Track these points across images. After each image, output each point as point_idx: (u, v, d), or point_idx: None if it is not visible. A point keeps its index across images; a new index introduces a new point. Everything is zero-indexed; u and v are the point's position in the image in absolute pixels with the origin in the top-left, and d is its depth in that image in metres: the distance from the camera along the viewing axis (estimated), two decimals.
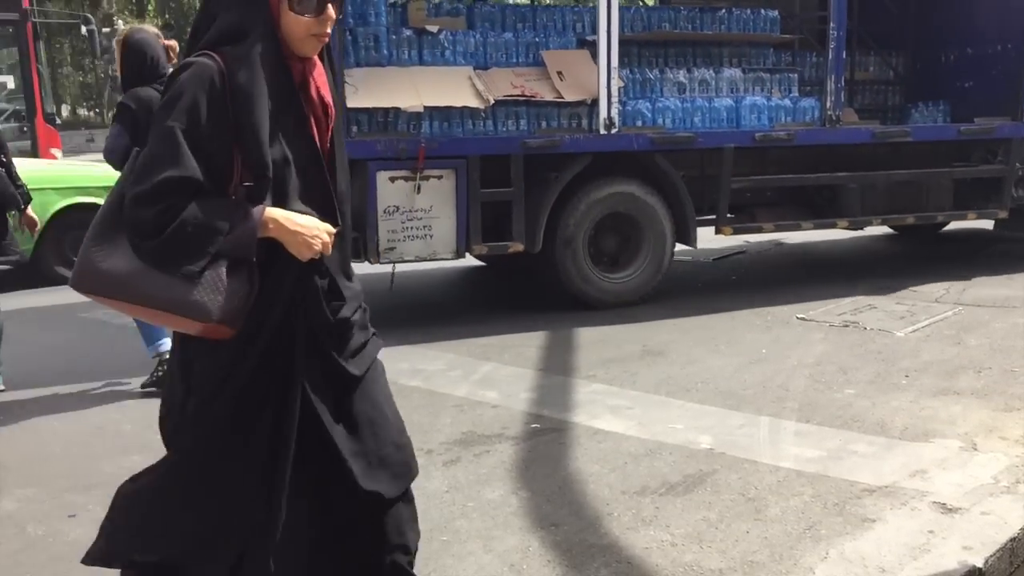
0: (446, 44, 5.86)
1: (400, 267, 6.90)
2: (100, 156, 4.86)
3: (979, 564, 2.69)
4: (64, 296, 7.11)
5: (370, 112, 5.49)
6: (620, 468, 3.44)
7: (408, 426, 3.98)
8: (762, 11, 6.74)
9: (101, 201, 6.60)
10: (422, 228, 5.51)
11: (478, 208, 5.60)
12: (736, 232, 6.53)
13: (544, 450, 3.66)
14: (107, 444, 3.88)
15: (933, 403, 4.07)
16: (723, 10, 6.67)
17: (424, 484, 3.33)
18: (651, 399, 4.25)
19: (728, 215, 6.41)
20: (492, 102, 5.69)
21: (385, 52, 5.69)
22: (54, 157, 10.96)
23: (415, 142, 5.44)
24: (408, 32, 5.82)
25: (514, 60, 6.03)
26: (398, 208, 5.42)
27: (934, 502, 3.07)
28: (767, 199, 6.67)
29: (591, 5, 6.54)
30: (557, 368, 4.79)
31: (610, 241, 6.14)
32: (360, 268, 7.62)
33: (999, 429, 3.74)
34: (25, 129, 11.26)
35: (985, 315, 5.56)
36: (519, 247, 5.75)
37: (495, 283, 7.21)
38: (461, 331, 5.61)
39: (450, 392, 4.42)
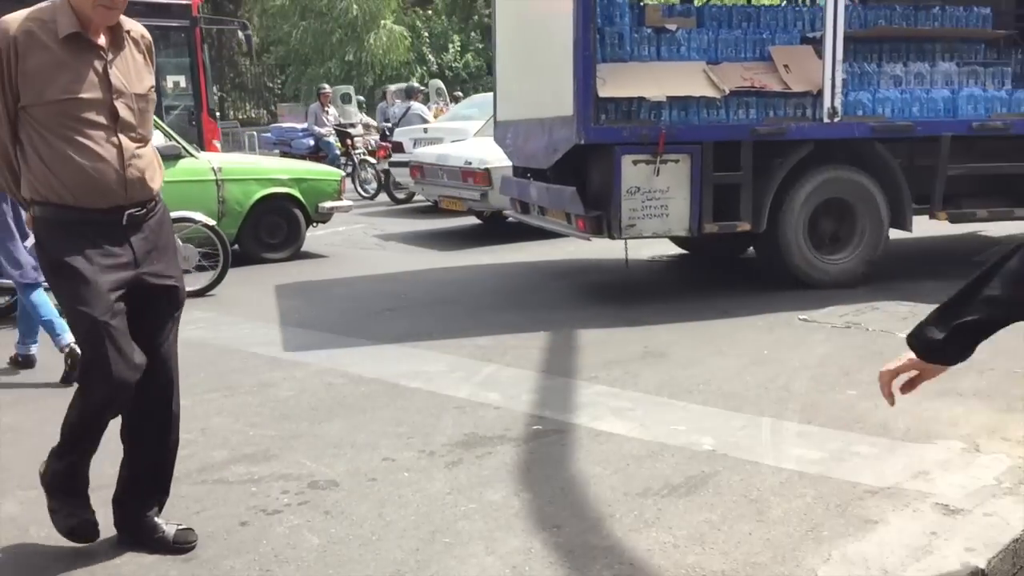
0: (682, 41, 6.47)
1: (400, 269, 6.93)
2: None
3: (982, 565, 2.68)
4: None
5: (616, 102, 6.05)
6: (622, 470, 3.44)
7: (410, 428, 4.02)
8: (974, 8, 7.05)
9: (292, 191, 7.81)
10: (659, 207, 6.03)
11: (710, 189, 6.09)
12: (952, 220, 6.86)
13: (546, 452, 3.66)
14: (107, 446, 3.87)
15: (935, 404, 4.06)
16: (936, 7, 7.00)
17: (426, 486, 3.34)
18: (653, 400, 4.25)
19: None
20: (727, 92, 6.16)
21: (628, 49, 6.33)
22: (217, 149, 12.37)
23: (656, 129, 5.98)
24: (648, 31, 6.44)
25: (742, 55, 6.55)
26: (639, 189, 5.96)
27: (936, 503, 3.06)
28: (975, 188, 6.91)
29: (817, 4, 7.19)
30: (559, 370, 4.79)
31: (827, 224, 6.55)
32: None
33: (1001, 430, 3.73)
34: (193, 123, 12.75)
35: None
36: (746, 226, 6.24)
37: (496, 285, 7.21)
38: (463, 333, 5.61)
39: (452, 394, 4.42)
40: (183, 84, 13.22)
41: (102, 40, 2.75)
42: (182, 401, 4.40)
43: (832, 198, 6.45)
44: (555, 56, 6.13)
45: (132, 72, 2.81)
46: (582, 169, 6.28)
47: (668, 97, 6.08)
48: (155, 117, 8.83)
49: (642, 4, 6.97)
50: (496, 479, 3.39)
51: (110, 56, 2.76)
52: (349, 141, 14.22)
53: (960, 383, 4.34)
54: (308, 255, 8.83)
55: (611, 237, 6.07)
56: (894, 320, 5.52)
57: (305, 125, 15.36)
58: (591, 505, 3.15)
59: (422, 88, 15.65)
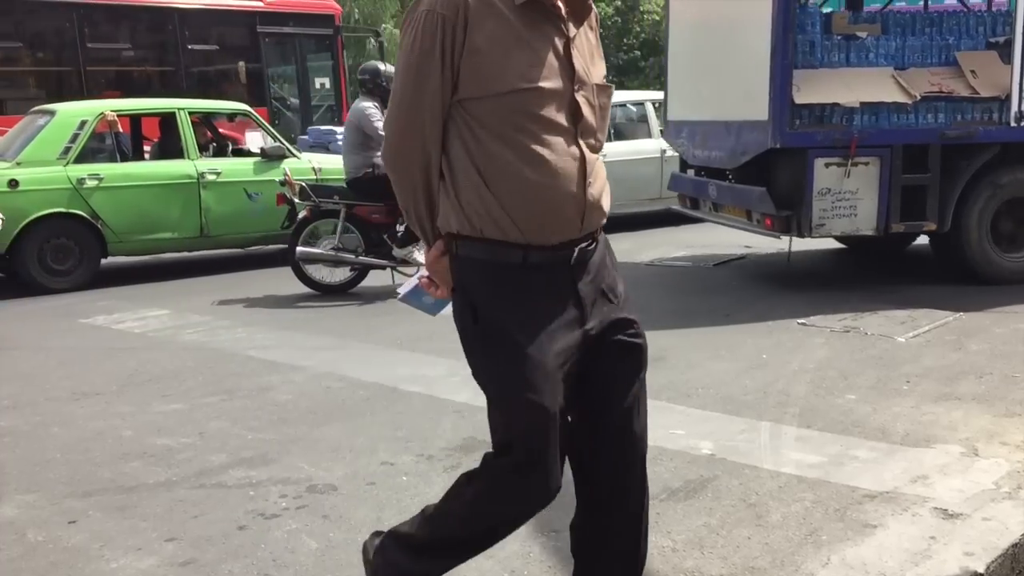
0: (870, 47, 6.65)
1: (399, 274, 6.92)
2: None
3: (980, 570, 2.68)
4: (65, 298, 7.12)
5: (809, 107, 6.30)
6: None
7: (408, 432, 4.01)
8: None
9: None
10: (848, 208, 6.29)
11: (898, 191, 6.29)
12: None
13: None
14: (107, 450, 3.88)
15: (934, 408, 4.06)
16: None
17: (424, 490, 3.33)
18: (652, 404, 4.18)
19: None
20: (918, 97, 6.35)
21: (818, 56, 6.52)
22: None
23: (849, 133, 6.23)
24: (838, 38, 6.61)
25: (928, 61, 6.72)
26: (830, 190, 6.22)
27: (935, 508, 3.06)
28: None
29: (996, 9, 7.51)
30: None
31: (1008, 224, 6.72)
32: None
33: (1000, 435, 3.73)
34: (336, 120, 13.89)
35: (986, 320, 5.56)
36: (932, 226, 6.43)
37: None
38: None
39: (451, 398, 4.41)
40: (327, 86, 14.78)
41: (561, 7, 1.99)
42: (179, 405, 4.44)
43: (1014, 198, 6.66)
44: (745, 61, 6.46)
45: (587, 54, 2.04)
46: (765, 169, 6.50)
47: (861, 103, 6.32)
48: (259, 115, 9.33)
49: (829, 12, 7.26)
50: None
51: (572, 31, 1.99)
52: None
53: (959, 387, 4.34)
54: None
55: (800, 235, 6.39)
56: (893, 324, 5.52)
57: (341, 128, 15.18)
58: None
59: None
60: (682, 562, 2.76)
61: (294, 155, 8.55)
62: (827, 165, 6.18)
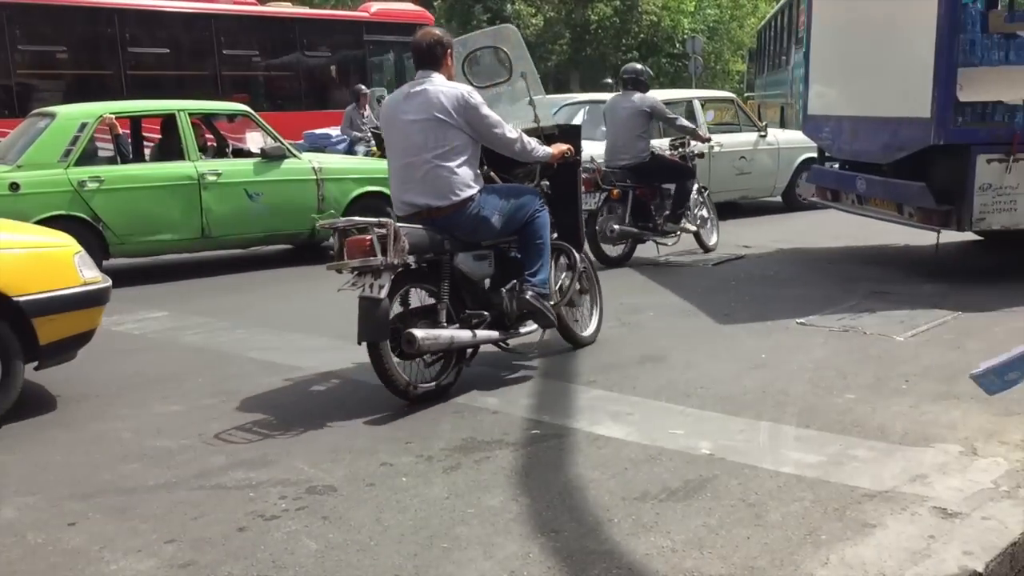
0: None
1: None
2: None
3: (980, 569, 2.68)
4: None
5: (972, 105, 6.47)
6: (620, 474, 3.44)
7: (408, 432, 4.01)
8: None
9: (384, 190, 6.63)
10: (1008, 202, 6.44)
11: None
12: None
13: (544, 456, 3.66)
14: (107, 452, 3.88)
15: (933, 408, 4.07)
16: None
17: (424, 490, 3.34)
18: (651, 405, 4.25)
19: None
20: None
21: (978, 54, 6.57)
22: None
23: (1011, 130, 6.42)
24: (996, 37, 6.66)
25: None
26: (991, 185, 6.36)
27: (934, 507, 3.06)
28: None
29: None
30: (557, 374, 4.79)
31: None
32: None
33: (999, 434, 3.74)
34: None
35: (984, 319, 5.56)
36: None
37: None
38: None
39: (450, 398, 4.41)
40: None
41: None
42: (178, 407, 4.44)
43: None
44: (904, 60, 6.63)
45: None
46: (919, 165, 6.62)
47: (1023, 100, 6.47)
48: (259, 116, 9.31)
49: (985, 11, 7.36)
50: (494, 484, 3.39)
51: None
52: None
53: (958, 387, 4.34)
54: None
55: (959, 229, 6.51)
56: (891, 324, 5.53)
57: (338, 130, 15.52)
58: (589, 509, 3.15)
59: None
60: (681, 562, 2.76)
61: (294, 155, 8.57)
62: (989, 161, 6.31)
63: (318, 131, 12.62)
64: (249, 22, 14.49)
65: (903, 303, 6.05)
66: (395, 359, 4.24)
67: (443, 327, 4.33)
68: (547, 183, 4.94)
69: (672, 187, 8.06)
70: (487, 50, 5.29)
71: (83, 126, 7.67)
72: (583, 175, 6.05)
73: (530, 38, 28.80)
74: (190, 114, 8.27)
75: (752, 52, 29.16)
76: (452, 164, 4.39)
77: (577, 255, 5.13)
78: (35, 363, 4.46)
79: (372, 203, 8.68)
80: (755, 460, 3.52)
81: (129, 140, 8.55)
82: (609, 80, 23.92)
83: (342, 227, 4.28)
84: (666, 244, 8.18)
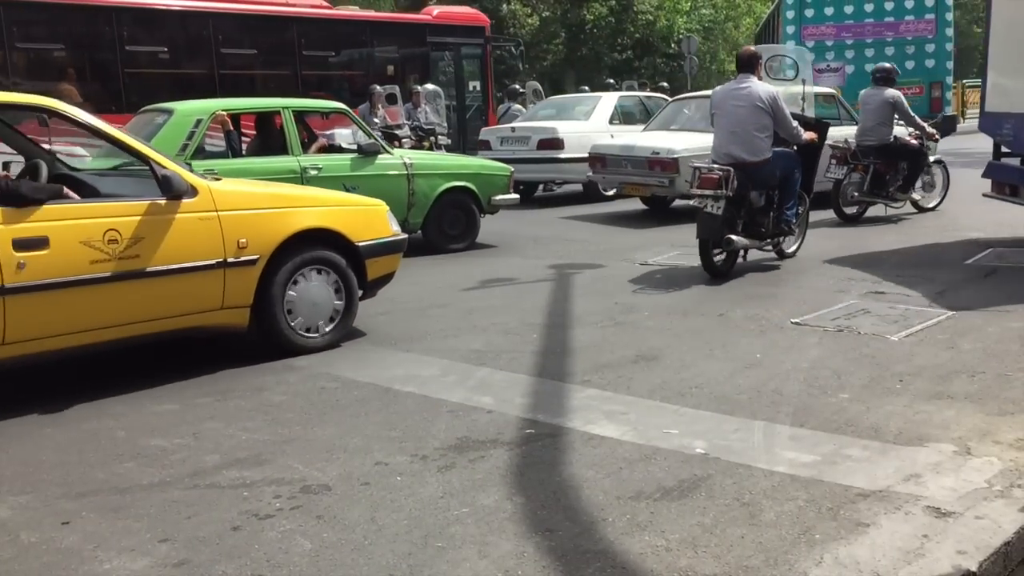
0: None
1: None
2: None
3: (973, 568, 2.69)
4: None
5: None
6: (615, 473, 3.44)
7: (402, 432, 4.01)
8: None
9: (469, 185, 8.72)
10: None
11: None
12: None
13: (539, 455, 3.66)
14: (100, 451, 3.87)
15: (927, 407, 4.08)
16: None
17: (418, 490, 3.33)
18: (645, 404, 4.26)
19: None
20: None
21: None
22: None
23: None
24: None
25: None
26: None
27: (928, 506, 3.07)
28: None
29: None
30: (551, 373, 4.79)
31: None
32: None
33: (993, 433, 3.74)
34: (483, 118, 16.90)
35: (979, 319, 5.58)
36: None
37: (488, 288, 7.21)
38: (455, 337, 5.62)
39: (445, 398, 4.41)
40: (477, 89, 17.52)
41: None
42: (172, 406, 4.43)
43: None
44: None
45: None
46: None
47: None
48: (354, 114, 9.69)
49: None
50: (489, 483, 3.39)
51: None
52: (396, 143, 14.51)
53: (952, 386, 4.35)
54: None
55: None
56: (886, 324, 5.54)
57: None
58: (584, 509, 3.15)
59: (521, 91, 16.73)
60: (676, 561, 2.76)
61: (387, 151, 8.87)
62: None
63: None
64: (326, 25, 15.48)
65: (897, 303, 6.06)
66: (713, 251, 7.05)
67: (740, 236, 7.14)
68: (794, 149, 7.53)
69: (906, 164, 9.97)
70: (781, 57, 8.65)
71: (198, 122, 7.83)
72: (837, 151, 9.52)
73: (525, 38, 28.91)
74: (293, 112, 8.53)
75: None
76: (762, 135, 7.05)
77: (807, 198, 7.94)
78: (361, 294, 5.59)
79: (458, 198, 9.21)
80: (749, 459, 3.52)
81: (238, 136, 8.81)
82: (611, 80, 23.92)
83: (698, 167, 7.03)
84: (895, 208, 10.25)
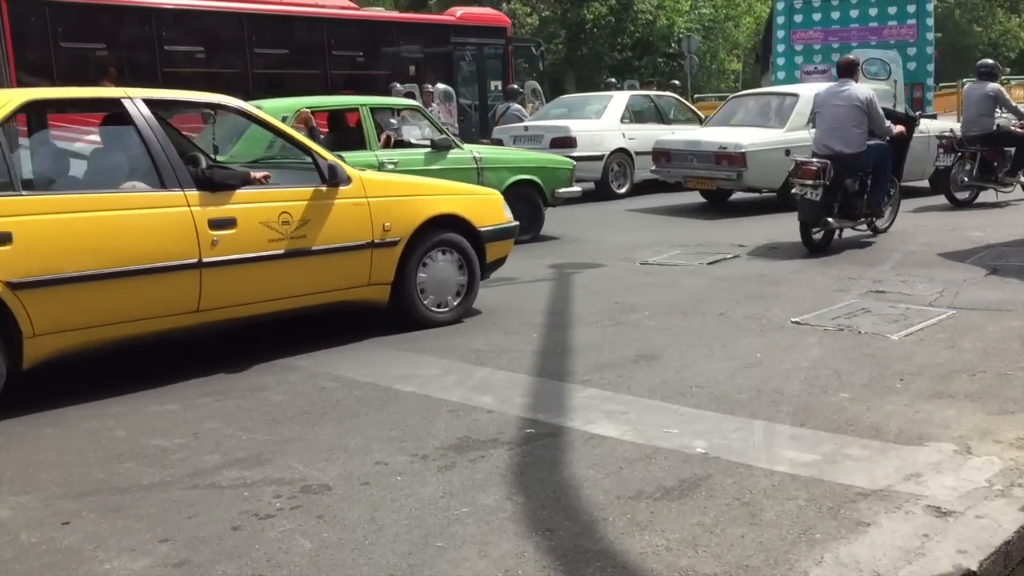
0: None
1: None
2: None
3: (973, 567, 2.69)
4: None
5: None
6: (615, 473, 3.44)
7: (403, 431, 4.01)
8: None
9: (535, 178, 9.57)
10: None
11: None
12: None
13: (539, 455, 3.66)
14: (101, 451, 3.87)
15: (927, 407, 4.07)
16: None
17: (419, 489, 3.33)
18: (646, 404, 4.25)
19: None
20: None
21: None
22: None
23: None
24: None
25: None
26: None
27: (928, 506, 3.07)
28: None
29: None
30: (551, 373, 4.79)
31: None
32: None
33: (993, 432, 3.74)
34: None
35: (979, 318, 5.57)
36: None
37: (486, 289, 7.21)
38: (456, 337, 5.61)
39: (445, 397, 4.41)
40: (499, 88, 17.62)
41: None
42: (172, 406, 4.43)
43: None
44: None
45: None
46: None
47: None
48: (425, 111, 10.40)
49: None
50: (489, 483, 3.39)
51: None
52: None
53: (952, 385, 4.35)
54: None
55: None
56: (886, 323, 5.54)
57: None
58: (584, 508, 3.15)
59: (520, 90, 16.80)
60: (676, 561, 2.76)
61: (458, 146, 9.17)
62: None
63: None
64: (355, 25, 16.09)
65: (897, 302, 6.06)
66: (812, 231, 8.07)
67: (835, 218, 8.15)
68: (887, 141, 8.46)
69: (1013, 151, 10.58)
70: (877, 61, 12.17)
71: (284, 119, 7.93)
72: (944, 141, 10.59)
73: (526, 37, 28.93)
74: (371, 108, 8.87)
75: (758, 51, 29.26)
76: (858, 130, 8.08)
77: (898, 183, 8.99)
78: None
79: (524, 191, 9.43)
80: (750, 459, 3.52)
81: (320, 133, 8.98)
82: (613, 79, 23.92)
83: (800, 161, 8.11)
84: (1005, 192, 10.85)
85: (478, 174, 8.99)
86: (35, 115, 5.18)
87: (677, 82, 21.57)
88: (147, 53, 13.68)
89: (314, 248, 5.21)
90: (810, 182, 7.86)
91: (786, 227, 9.57)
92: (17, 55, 12.13)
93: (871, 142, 8.23)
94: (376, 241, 5.47)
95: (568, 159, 10.31)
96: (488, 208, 6.24)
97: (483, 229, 6.05)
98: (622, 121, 13.60)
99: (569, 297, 6.74)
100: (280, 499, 3.30)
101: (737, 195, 11.95)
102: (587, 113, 13.97)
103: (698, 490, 3.26)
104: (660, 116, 14.27)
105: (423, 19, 18.62)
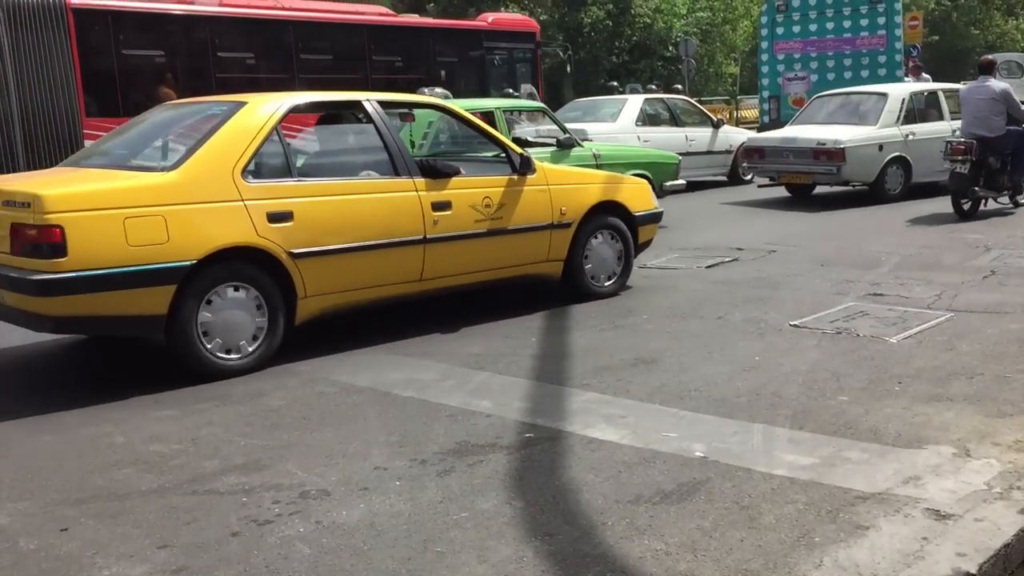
0: None
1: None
2: None
3: (973, 570, 2.69)
4: None
5: None
6: (614, 477, 3.44)
7: (401, 436, 4.01)
8: None
9: (647, 172, 10.08)
10: None
11: None
12: None
13: (538, 459, 3.65)
14: (99, 457, 3.87)
15: (926, 409, 4.08)
16: None
17: (418, 494, 3.33)
18: (644, 407, 4.25)
19: None
20: None
21: None
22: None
23: None
24: None
25: None
26: None
27: (927, 509, 3.07)
28: None
29: None
30: (550, 377, 4.79)
31: None
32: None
33: (992, 435, 3.74)
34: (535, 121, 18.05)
35: (977, 321, 5.58)
36: None
37: (485, 291, 7.20)
38: (454, 341, 5.61)
39: (444, 402, 4.41)
40: (533, 90, 17.93)
41: None
42: (171, 411, 4.43)
43: None
44: None
45: None
46: None
47: None
48: (553, 112, 11.30)
49: None
50: (488, 487, 3.39)
51: None
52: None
53: (950, 388, 4.35)
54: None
55: None
56: (885, 326, 5.54)
57: None
58: (583, 513, 3.15)
59: (516, 94, 17.12)
60: (675, 565, 2.76)
61: (579, 144, 9.66)
62: None
63: None
64: (393, 32, 16.79)
65: (896, 305, 6.06)
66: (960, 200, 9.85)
67: (981, 187, 9.97)
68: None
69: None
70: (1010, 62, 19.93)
71: (430, 123, 8.58)
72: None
73: (554, 41, 28.99)
74: (504, 111, 9.37)
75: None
76: (997, 118, 9.81)
77: None
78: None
79: None
80: (749, 463, 3.52)
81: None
82: (615, 83, 23.94)
83: (949, 140, 10.03)
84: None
85: (597, 169, 9.28)
86: (296, 115, 5.82)
87: (680, 86, 21.68)
88: (202, 59, 14.38)
89: (509, 228, 6.07)
90: (960, 158, 9.68)
91: (784, 231, 9.59)
92: (82, 61, 12.81)
93: (1011, 128, 9.89)
94: (554, 223, 6.33)
95: (675, 155, 10.93)
96: (641, 195, 7.02)
97: (637, 214, 6.86)
98: (637, 124, 13.88)
99: (566, 300, 6.75)
100: (279, 504, 3.30)
101: (736, 196, 11.96)
102: (602, 116, 14.18)
103: (697, 494, 3.26)
104: (673, 119, 14.53)
105: (457, 25, 19.26)
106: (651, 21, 34.89)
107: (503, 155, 6.28)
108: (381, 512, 3.20)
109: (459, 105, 9.59)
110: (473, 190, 5.89)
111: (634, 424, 4.01)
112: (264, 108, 5.28)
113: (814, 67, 19.71)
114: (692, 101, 16.31)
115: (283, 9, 15.22)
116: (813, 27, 19.66)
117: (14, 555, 2.99)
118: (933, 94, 12.61)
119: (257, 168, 5.17)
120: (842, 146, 11.19)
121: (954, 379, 4.50)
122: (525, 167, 6.13)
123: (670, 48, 34.60)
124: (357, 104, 5.90)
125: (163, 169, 4.95)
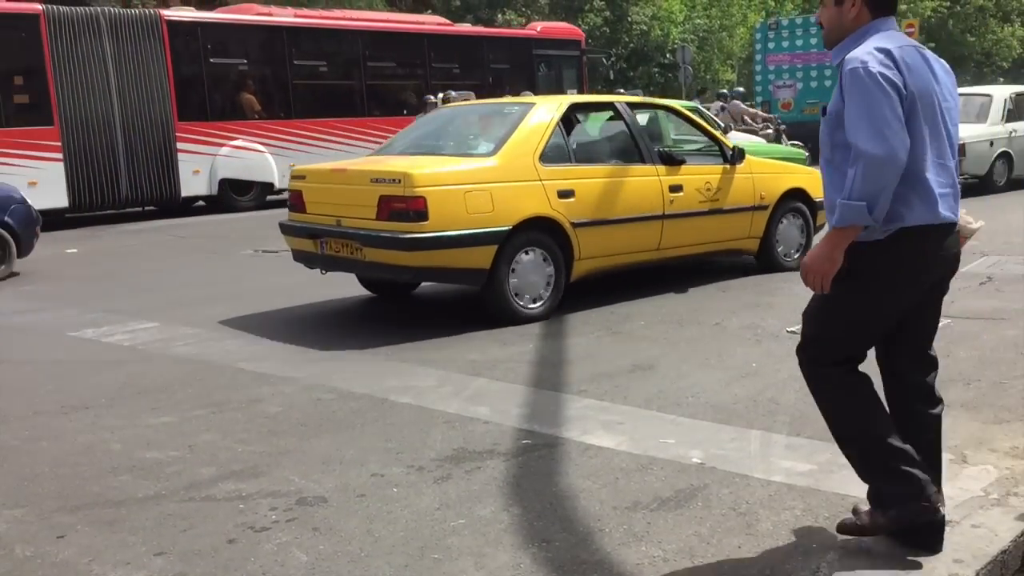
0: None
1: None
2: None
3: None
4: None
5: None
6: (611, 483, 3.43)
7: (399, 443, 4.01)
8: None
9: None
10: None
11: None
12: None
13: (535, 466, 3.65)
14: (96, 464, 3.86)
15: None
16: None
17: (415, 501, 3.33)
18: (642, 414, 4.25)
19: None
20: None
21: None
22: None
23: None
24: None
25: None
26: None
27: None
28: None
29: None
30: (548, 383, 4.79)
31: None
32: None
33: (989, 441, 3.75)
34: None
35: (974, 327, 5.58)
36: None
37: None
38: (452, 347, 5.61)
39: (441, 408, 4.41)
40: (575, 91, 19.24)
41: None
42: (168, 418, 4.43)
43: None
44: None
45: None
46: None
47: None
48: (705, 111, 13.00)
49: None
50: (485, 494, 3.38)
51: None
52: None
53: (947, 394, 4.34)
54: None
55: None
56: None
57: None
58: (580, 519, 3.14)
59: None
60: (673, 571, 2.76)
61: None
62: None
63: None
64: (451, 40, 18.12)
65: None
66: None
67: None
68: None
69: None
70: None
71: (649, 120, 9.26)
72: None
73: (598, 48, 29.14)
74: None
75: None
76: None
77: None
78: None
79: None
80: (746, 469, 3.52)
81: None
82: (621, 90, 23.99)
83: None
84: None
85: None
86: (570, 113, 6.91)
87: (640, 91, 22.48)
88: (280, 67, 15.77)
89: (723, 208, 7.19)
90: None
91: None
92: (175, 69, 14.38)
93: None
94: (756, 205, 7.45)
95: (801, 150, 11.53)
96: (817, 182, 7.48)
97: (816, 200, 7.70)
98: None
99: (563, 307, 6.75)
100: (276, 512, 3.29)
101: None
102: None
103: (694, 500, 3.26)
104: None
105: (510, 33, 20.88)
106: (648, 28, 34.97)
107: (715, 147, 7.42)
108: (378, 519, 3.20)
109: (639, 100, 10.34)
110: (697, 176, 7.05)
111: (631, 430, 4.01)
112: (549, 107, 6.63)
113: (800, 77, 22.73)
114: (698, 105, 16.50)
115: (352, 19, 17.08)
116: (799, 42, 22.67)
117: (10, 562, 2.98)
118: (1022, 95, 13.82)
119: (548, 154, 6.34)
120: (962, 142, 11.61)
121: (951, 385, 4.50)
122: (737, 158, 7.25)
123: (667, 55, 34.68)
124: (611, 105, 7.24)
125: (486, 154, 6.24)
